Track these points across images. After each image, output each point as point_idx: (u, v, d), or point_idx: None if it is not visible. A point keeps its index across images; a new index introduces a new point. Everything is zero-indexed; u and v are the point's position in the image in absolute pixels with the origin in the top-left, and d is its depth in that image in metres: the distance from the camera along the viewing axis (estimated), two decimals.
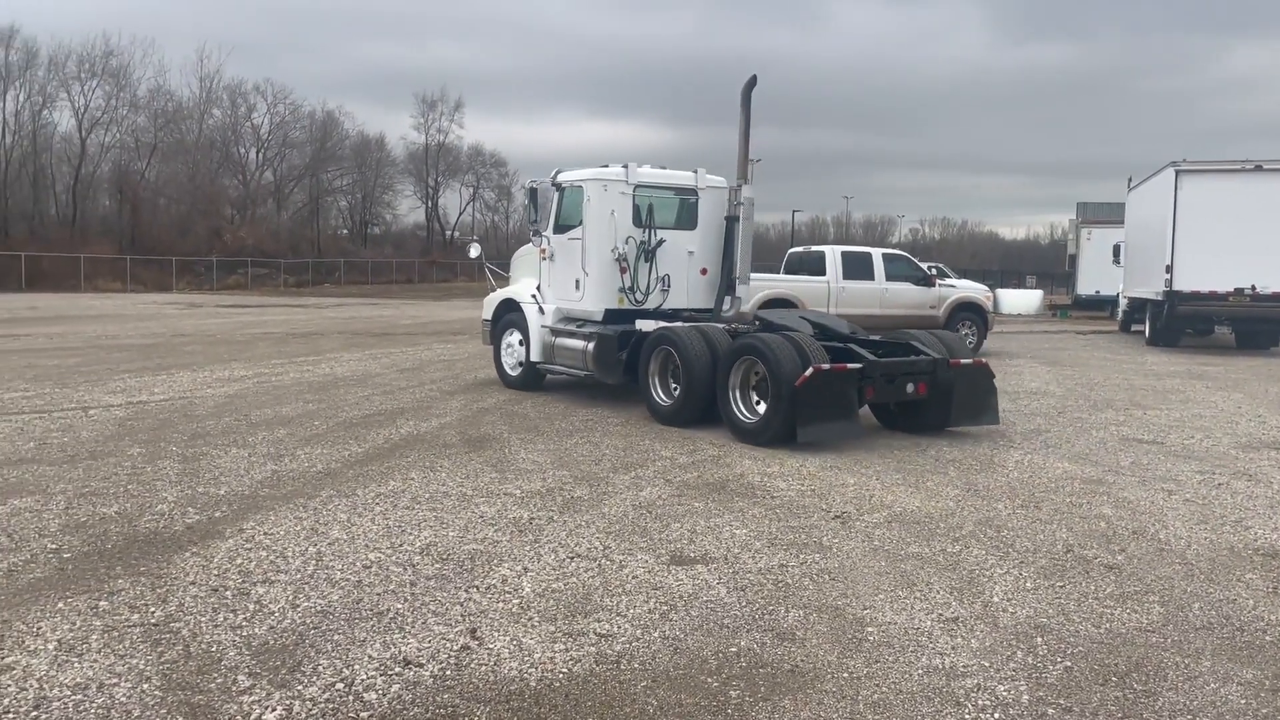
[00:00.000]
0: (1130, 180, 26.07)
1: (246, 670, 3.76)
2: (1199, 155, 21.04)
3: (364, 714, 3.45)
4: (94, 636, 4.02)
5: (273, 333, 22.01)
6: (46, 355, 15.73)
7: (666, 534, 5.83)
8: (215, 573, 4.91)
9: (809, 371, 8.59)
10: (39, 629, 4.09)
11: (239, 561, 5.10)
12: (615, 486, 7.05)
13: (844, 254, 18.54)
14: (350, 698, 3.57)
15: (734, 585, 4.91)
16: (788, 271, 19.26)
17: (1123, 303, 27.71)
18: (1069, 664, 4.05)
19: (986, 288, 21.61)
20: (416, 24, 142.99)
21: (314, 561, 5.14)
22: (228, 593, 4.62)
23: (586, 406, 11.02)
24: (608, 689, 3.70)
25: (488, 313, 13.22)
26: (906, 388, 9.42)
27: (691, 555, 5.41)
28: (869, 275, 18.35)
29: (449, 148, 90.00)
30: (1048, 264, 78.76)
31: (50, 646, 3.91)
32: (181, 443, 8.34)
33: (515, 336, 12.52)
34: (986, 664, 4.02)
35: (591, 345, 11.00)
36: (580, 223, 11.56)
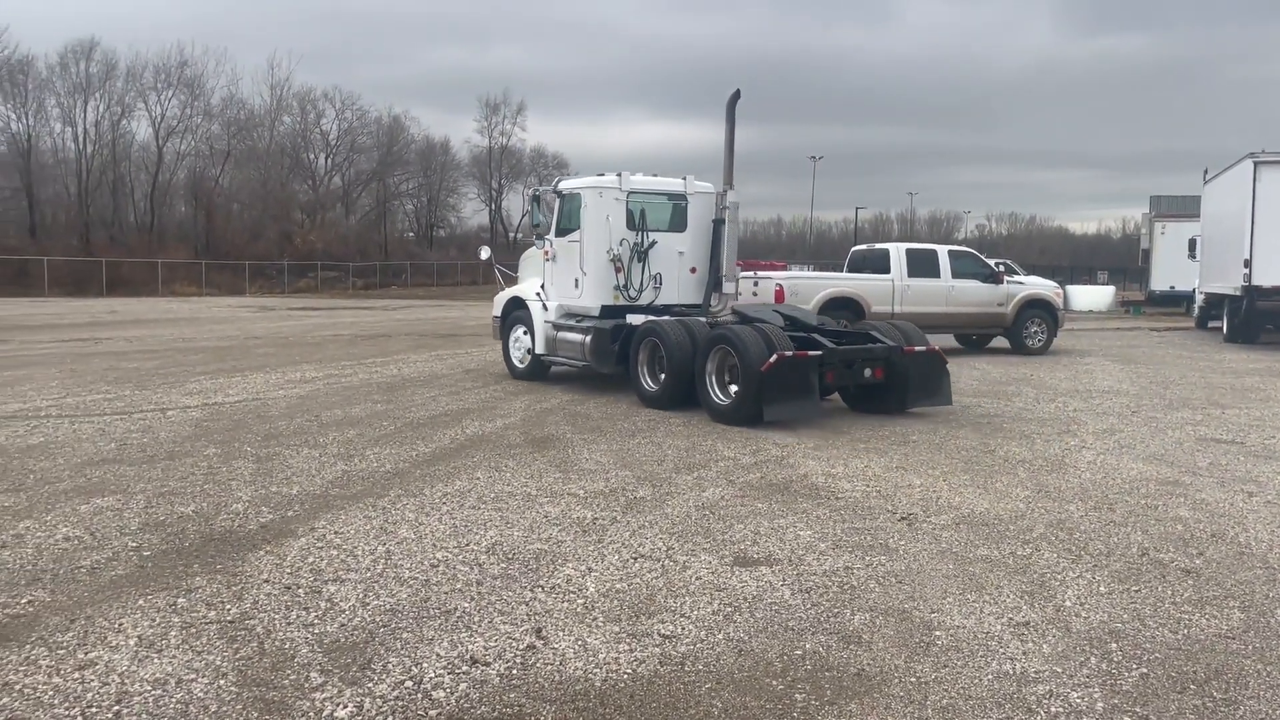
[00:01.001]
0: (1206, 172, 25.29)
1: (318, 667, 3.84)
2: (1278, 146, 20.31)
3: (433, 712, 3.50)
4: (173, 633, 4.15)
5: (342, 335, 22.44)
6: (126, 358, 16.25)
7: (730, 535, 5.81)
8: (288, 571, 5.03)
9: (773, 358, 9.62)
10: (120, 625, 4.23)
11: (311, 560, 5.21)
12: (678, 487, 7.05)
13: (909, 251, 18.28)
14: (419, 695, 3.62)
15: (798, 587, 4.88)
16: (850, 270, 19.07)
17: (1199, 299, 26.87)
18: (1145, 671, 3.95)
19: (1056, 284, 21.15)
20: (482, 28, 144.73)
21: (383, 560, 5.23)
22: (300, 591, 4.73)
23: (647, 407, 11.03)
24: (672, 690, 3.71)
25: (497, 310, 14.27)
26: (864, 372, 10.53)
27: (755, 557, 5.39)
28: (934, 273, 18.07)
29: (512, 150, 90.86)
30: (1120, 259, 76.79)
31: (131, 642, 4.04)
32: (255, 443, 8.55)
33: (522, 331, 13.57)
34: (1059, 670, 3.94)
35: (588, 338, 12.03)
36: (579, 227, 12.51)
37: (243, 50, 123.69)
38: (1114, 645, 4.21)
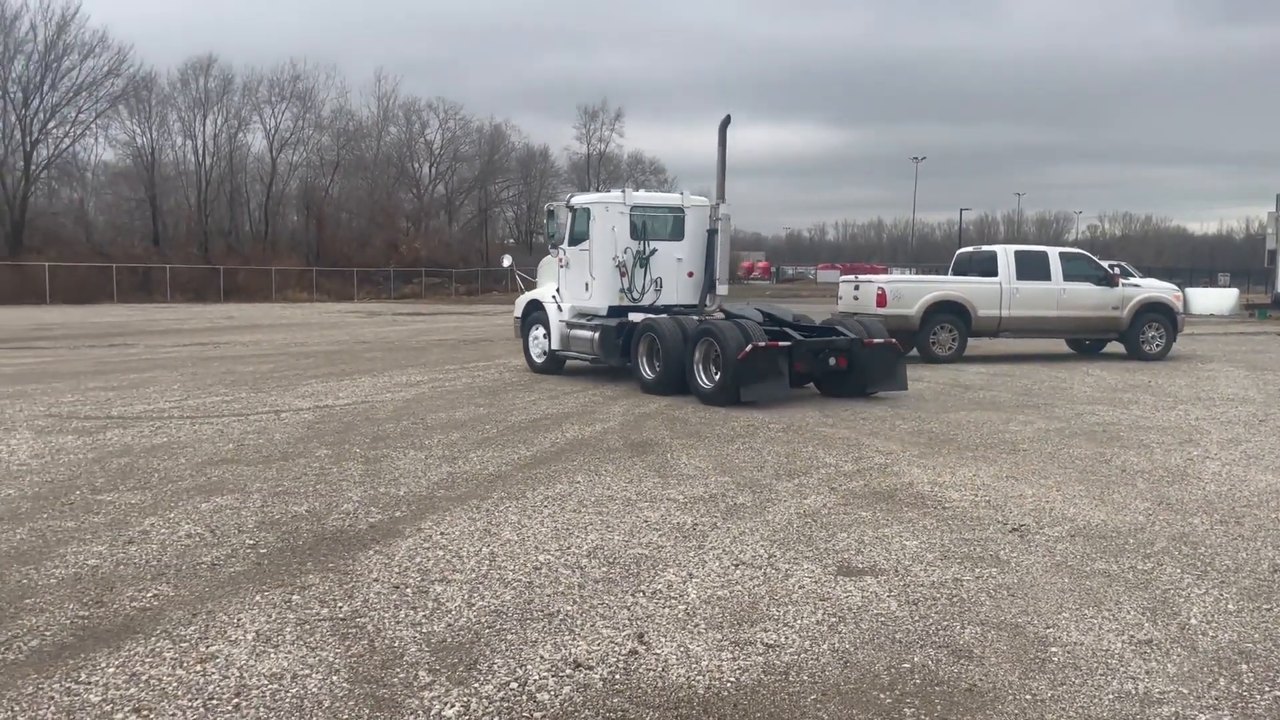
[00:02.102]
0: None
1: (426, 666, 3.91)
2: None
3: (537, 714, 3.53)
4: (288, 629, 4.28)
5: (445, 339, 22.93)
6: (242, 362, 16.91)
7: (833, 544, 5.71)
8: (396, 570, 5.14)
9: (749, 347, 11.21)
10: (239, 620, 4.38)
11: (418, 560, 5.32)
12: (778, 494, 6.97)
13: (1017, 253, 17.75)
14: (524, 697, 3.65)
15: (905, 599, 4.76)
16: (956, 272, 18.62)
17: None
18: (1278, 694, 3.73)
19: (1175, 287, 20.24)
20: (584, 36, 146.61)
21: (487, 562, 5.30)
22: (408, 590, 4.82)
23: (746, 413, 10.95)
24: (776, 700, 3.66)
25: (518, 311, 15.78)
26: (829, 361, 12.07)
27: (860, 566, 5.29)
28: (1045, 275, 17.51)
29: (609, 156, 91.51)
30: (1243, 261, 73.13)
31: (249, 637, 4.18)
32: (364, 445, 8.78)
33: (540, 330, 15.06)
34: (1185, 691, 3.75)
35: (597, 335, 13.53)
36: (589, 237, 14.02)
37: (352, 63, 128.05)
38: (1244, 666, 3.99)
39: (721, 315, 13.09)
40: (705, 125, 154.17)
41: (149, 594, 4.72)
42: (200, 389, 12.85)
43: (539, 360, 15.07)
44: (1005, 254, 17.66)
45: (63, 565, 5.14)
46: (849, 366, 12.13)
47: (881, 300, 16.68)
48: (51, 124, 52.18)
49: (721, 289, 14.05)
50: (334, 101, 67.67)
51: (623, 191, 14.42)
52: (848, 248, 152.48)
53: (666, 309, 13.62)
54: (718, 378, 11.55)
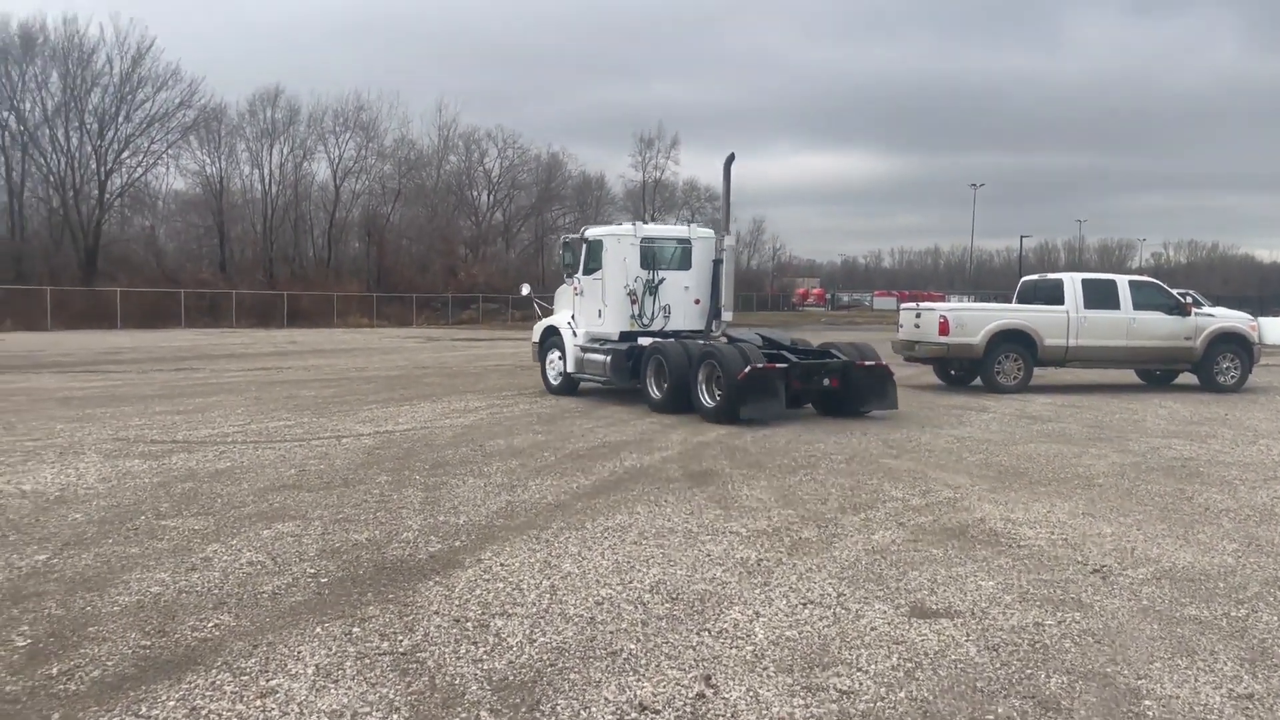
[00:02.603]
0: None
1: (488, 706, 3.80)
2: None
3: None
4: (348, 663, 4.20)
5: (503, 364, 23.01)
6: (305, 386, 17.10)
7: (905, 583, 5.51)
8: (457, 603, 5.05)
9: (747, 369, 11.99)
10: (299, 653, 4.32)
11: (478, 592, 5.23)
12: (844, 528, 6.78)
13: (1085, 281, 17.29)
14: None
15: (985, 644, 4.55)
16: (1020, 300, 18.20)
17: None
18: None
19: (1249, 316, 19.56)
20: (640, 66, 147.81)
21: (548, 595, 5.19)
22: (469, 624, 4.73)
23: (806, 443, 10.75)
24: None
25: (536, 336, 16.65)
26: (823, 382, 12.93)
27: (934, 608, 5.08)
28: (1113, 304, 17.03)
29: (665, 184, 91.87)
30: None
31: (309, 671, 4.12)
32: (424, 471, 8.76)
33: (556, 354, 15.91)
34: None
35: (609, 358, 14.25)
36: (601, 267, 14.92)
37: (414, 93, 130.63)
38: None
39: (724, 340, 13.78)
40: (761, 152, 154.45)
41: (210, 623, 4.69)
42: (264, 413, 12.98)
43: (555, 382, 15.85)
44: (1072, 282, 17.23)
45: (126, 592, 5.14)
46: (842, 387, 12.96)
47: (944, 328, 16.36)
48: (125, 154, 53.83)
49: (727, 315, 14.76)
50: (396, 131, 69.01)
51: (633, 224, 15.45)
52: (903, 274, 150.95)
53: (674, 334, 14.47)
54: (719, 397, 12.35)
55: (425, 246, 67.05)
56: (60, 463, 9.04)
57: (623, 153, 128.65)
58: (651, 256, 14.97)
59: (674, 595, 5.22)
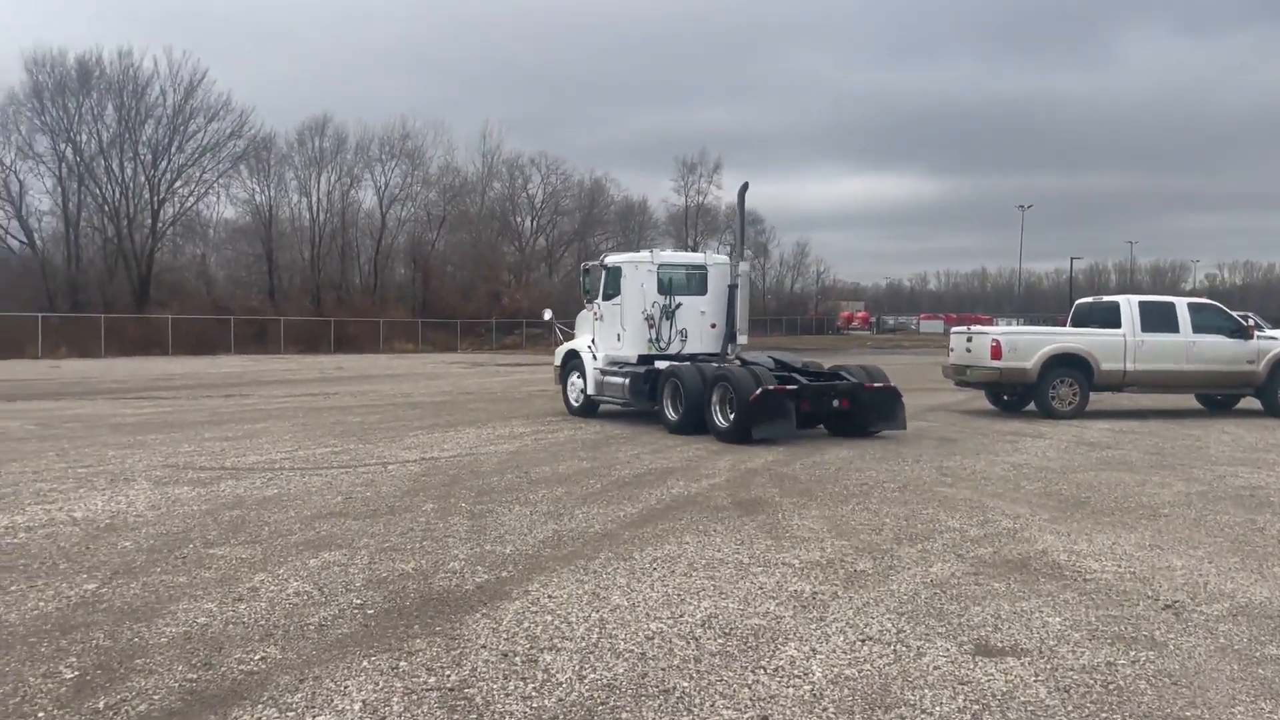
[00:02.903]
0: None
1: None
2: None
3: None
4: (395, 699, 4.11)
5: (547, 390, 22.95)
6: (351, 413, 17.19)
7: (967, 618, 5.30)
8: (504, 636, 4.94)
9: (759, 390, 12.39)
10: (346, 688, 4.23)
11: (526, 625, 5.11)
12: (901, 560, 6.57)
13: (1142, 304, 16.88)
14: None
15: (1055, 685, 4.34)
16: (1075, 323, 17.84)
17: None
18: None
19: None
20: (682, 90, 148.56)
21: (597, 629, 5.06)
22: (516, 658, 4.62)
23: (858, 470, 10.53)
24: None
25: (558, 360, 17.20)
26: (833, 403, 13.23)
27: (999, 645, 4.87)
28: (1172, 327, 16.60)
29: (707, 208, 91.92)
30: None
31: (356, 707, 4.02)
32: (470, 499, 8.69)
33: (576, 376, 16.43)
34: None
35: (627, 381, 14.79)
36: (620, 293, 15.46)
37: (459, 120, 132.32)
38: None
39: (738, 363, 14.13)
40: (805, 175, 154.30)
41: (256, 656, 4.62)
42: (311, 440, 13.03)
43: (576, 404, 16.40)
44: (1129, 304, 16.83)
45: (173, 623, 5.10)
46: (852, 408, 13.31)
47: (996, 352, 16.04)
48: (178, 183, 55.05)
49: (742, 338, 15.13)
50: (441, 158, 69.70)
51: (650, 252, 16.16)
52: (950, 297, 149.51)
53: (691, 358, 14.85)
54: (732, 418, 12.70)
55: (470, 272, 67.60)
56: (111, 489, 9.10)
57: (665, 177, 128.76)
58: (668, 282, 15.49)
59: (727, 630, 5.07)
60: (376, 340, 53.14)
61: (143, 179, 53.23)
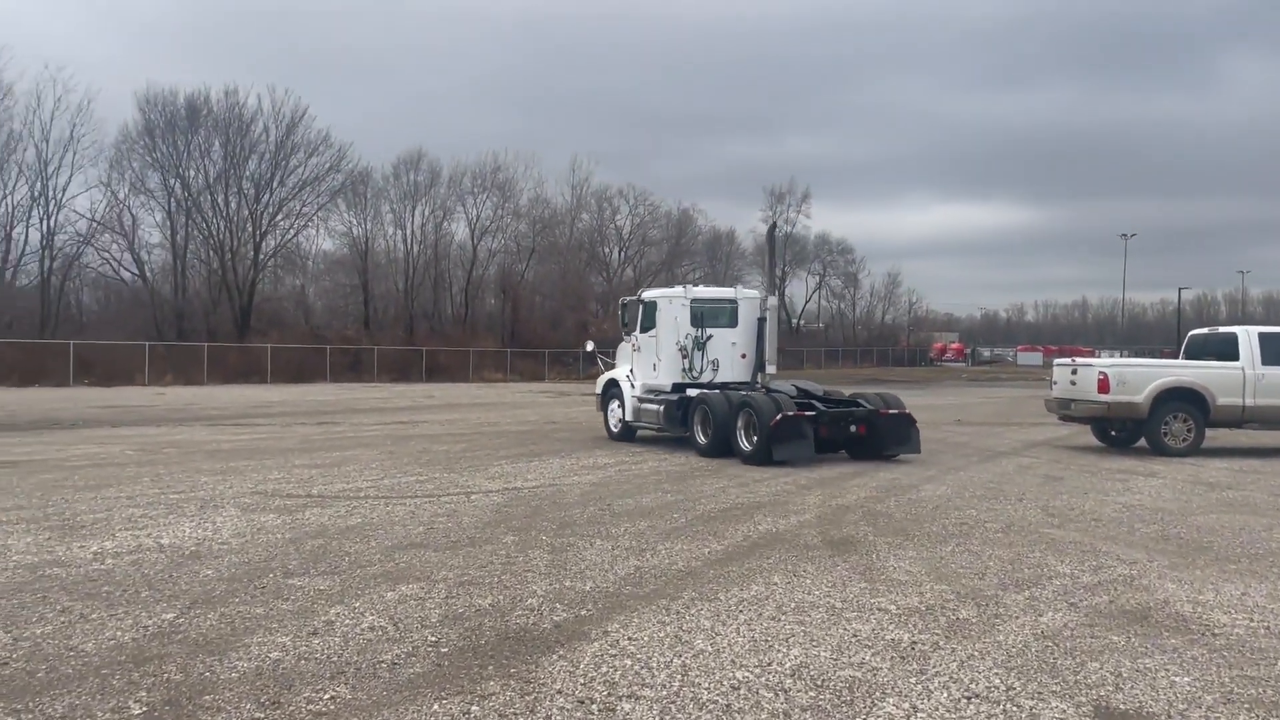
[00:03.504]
0: None
1: None
2: None
3: None
4: None
5: None
6: (438, 441, 17.25)
7: (1084, 676, 4.84)
8: (581, 681, 4.69)
9: (779, 416, 13.36)
10: None
11: (604, 670, 4.85)
12: (1008, 608, 6.12)
13: (1262, 335, 15.88)
14: None
15: None
16: (1188, 356, 16.90)
17: None
18: None
19: None
20: (771, 121, 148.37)
21: (679, 676, 4.77)
22: (594, 706, 4.36)
23: (958, 509, 10.02)
24: None
25: (599, 388, 18.33)
26: (850, 428, 14.11)
27: (1123, 708, 4.42)
28: None
29: (796, 238, 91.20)
30: None
31: None
32: (551, 532, 8.49)
33: (615, 404, 17.46)
34: None
35: (662, 408, 15.77)
36: (655, 326, 16.54)
37: (549, 153, 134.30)
38: None
39: (763, 391, 14.76)
40: (897, 204, 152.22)
41: (326, 695, 4.46)
42: (397, 468, 13.05)
43: (615, 429, 17.39)
44: (1248, 336, 15.85)
45: (246, 657, 4.98)
46: (868, 433, 14.13)
47: (1104, 386, 15.25)
48: (279, 216, 56.86)
49: (771, 368, 16.04)
50: (531, 190, 70.65)
51: (683, 287, 17.33)
52: (1048, 329, 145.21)
53: (723, 386, 15.56)
54: (755, 441, 13.53)
55: (557, 303, 68.17)
56: (200, 516, 9.17)
57: (753, 207, 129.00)
58: (700, 315, 16.44)
59: (819, 682, 4.72)
60: (466, 369, 53.85)
61: (246, 213, 55.17)
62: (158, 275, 55.05)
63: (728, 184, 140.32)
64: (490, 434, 18.89)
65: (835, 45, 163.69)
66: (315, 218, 59.58)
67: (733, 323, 16.54)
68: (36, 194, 49.64)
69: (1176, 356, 18.67)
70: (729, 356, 16.42)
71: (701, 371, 16.25)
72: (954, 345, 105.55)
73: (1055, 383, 16.73)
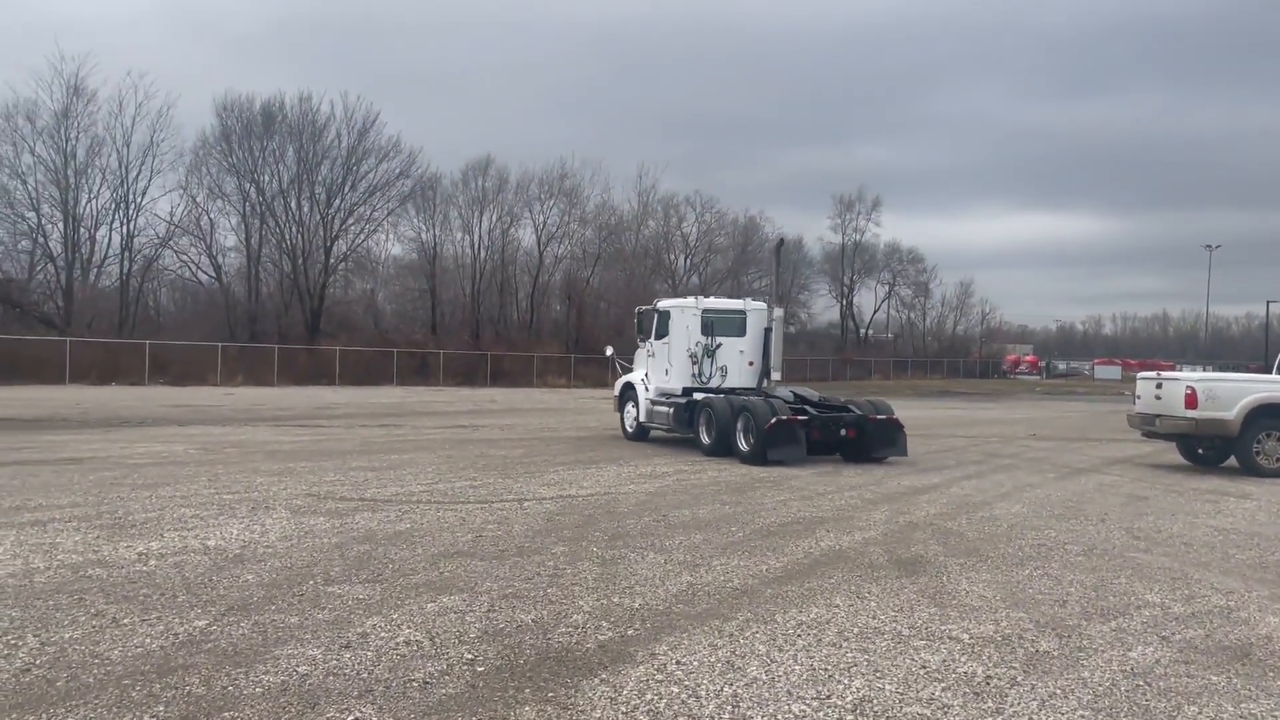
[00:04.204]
0: None
1: None
2: None
3: None
4: None
5: None
6: (496, 446, 17.07)
7: None
8: (623, 709, 4.35)
9: (773, 420, 14.26)
10: None
11: (649, 697, 4.50)
12: (1092, 640, 5.61)
13: None
14: None
15: None
16: None
17: None
18: None
19: None
20: (842, 130, 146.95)
21: (729, 707, 4.40)
22: None
23: (1035, 529, 9.45)
24: None
25: (616, 391, 19.77)
26: (840, 432, 15.06)
27: None
28: None
29: (865, 246, 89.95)
30: None
31: None
32: (602, 543, 8.16)
33: (631, 405, 18.79)
34: None
35: (671, 410, 16.95)
36: (668, 334, 17.81)
37: (616, 160, 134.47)
38: None
39: (761, 396, 15.80)
40: (970, 213, 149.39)
41: (350, 716, 4.18)
42: (452, 472, 12.87)
43: (630, 429, 18.74)
44: None
45: (274, 670, 4.74)
46: (858, 436, 15.07)
47: (1191, 401, 14.44)
48: (350, 221, 57.67)
49: (776, 375, 17.36)
50: (598, 197, 70.67)
51: (695, 298, 18.31)
52: (1126, 342, 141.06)
53: (730, 391, 16.71)
54: (752, 442, 14.44)
55: (622, 309, 67.95)
56: (250, 518, 9.05)
57: (821, 215, 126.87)
58: (711, 325, 17.57)
59: (883, 718, 4.31)
60: (531, 374, 53.96)
61: (318, 217, 56.05)
62: (232, 278, 56.25)
63: (796, 192, 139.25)
64: (549, 439, 18.67)
65: (909, 51, 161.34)
66: (385, 223, 60.37)
67: (741, 332, 17.64)
68: (119, 198, 51.14)
69: (1267, 372, 17.70)
70: (737, 364, 17.57)
71: (711, 377, 17.43)
72: (1028, 358, 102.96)
73: (1139, 397, 15.90)
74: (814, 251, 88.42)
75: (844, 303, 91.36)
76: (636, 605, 6.16)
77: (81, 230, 50.39)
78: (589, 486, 11.76)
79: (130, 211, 51.55)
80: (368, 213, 58.41)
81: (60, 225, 49.73)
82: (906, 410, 35.69)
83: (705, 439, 15.67)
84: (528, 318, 65.38)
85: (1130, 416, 16.30)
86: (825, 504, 10.73)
